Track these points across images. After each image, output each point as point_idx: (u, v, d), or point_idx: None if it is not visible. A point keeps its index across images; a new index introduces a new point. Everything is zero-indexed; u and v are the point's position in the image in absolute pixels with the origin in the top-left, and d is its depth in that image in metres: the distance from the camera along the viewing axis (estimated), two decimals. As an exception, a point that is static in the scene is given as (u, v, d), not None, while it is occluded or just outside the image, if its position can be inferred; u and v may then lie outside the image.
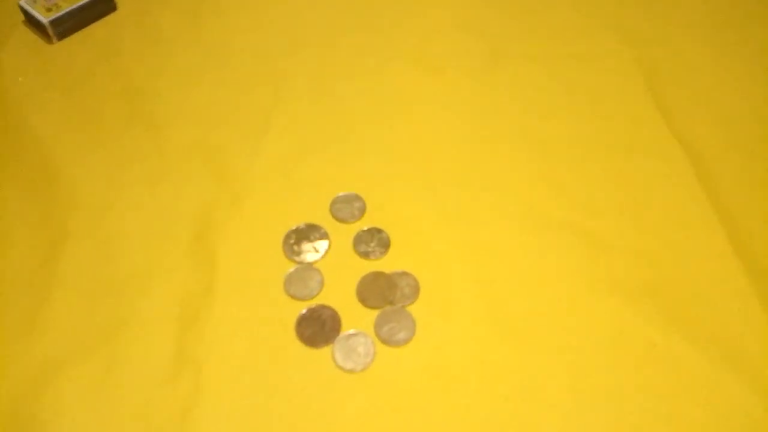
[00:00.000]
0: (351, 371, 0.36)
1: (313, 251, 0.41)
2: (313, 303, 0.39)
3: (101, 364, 0.36)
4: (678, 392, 0.36)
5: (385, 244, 0.41)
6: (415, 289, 0.39)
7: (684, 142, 0.47)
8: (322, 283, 0.39)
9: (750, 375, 0.36)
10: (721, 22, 0.56)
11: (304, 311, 0.38)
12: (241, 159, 0.45)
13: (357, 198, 0.43)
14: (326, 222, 0.42)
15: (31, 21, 0.52)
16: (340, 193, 0.44)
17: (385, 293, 0.39)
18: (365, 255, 0.41)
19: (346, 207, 0.43)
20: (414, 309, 0.39)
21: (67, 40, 0.52)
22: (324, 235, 0.41)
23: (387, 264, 0.41)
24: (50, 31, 0.51)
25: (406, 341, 0.37)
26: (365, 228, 0.42)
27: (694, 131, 0.48)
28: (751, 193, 0.45)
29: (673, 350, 0.37)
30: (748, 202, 0.44)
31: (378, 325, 0.38)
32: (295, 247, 0.41)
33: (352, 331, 0.37)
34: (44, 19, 0.51)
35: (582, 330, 0.38)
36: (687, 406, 0.35)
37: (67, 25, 0.52)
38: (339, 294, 0.39)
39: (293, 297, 0.39)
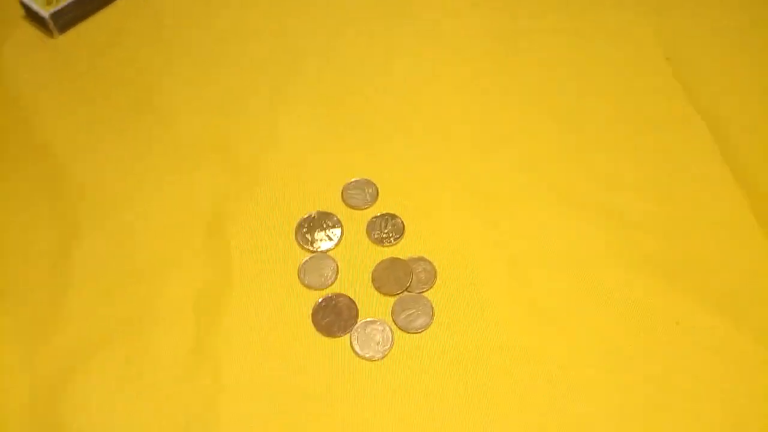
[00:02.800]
0: (370, 359, 0.36)
1: (326, 239, 0.40)
2: (328, 292, 0.38)
3: (120, 359, 0.36)
4: (708, 367, 0.35)
5: (399, 230, 0.40)
6: (432, 274, 0.39)
7: (706, 116, 0.46)
8: (337, 272, 0.39)
9: (778, 350, 0.36)
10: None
11: (320, 300, 0.38)
12: (251, 148, 0.45)
13: (369, 183, 0.43)
14: (339, 209, 0.42)
15: (31, 15, 0.52)
16: (352, 179, 0.43)
17: (401, 279, 0.38)
18: (379, 241, 0.40)
19: (359, 193, 0.42)
20: (431, 294, 0.38)
21: (69, 33, 0.52)
22: (337, 223, 0.41)
23: (402, 250, 0.40)
24: (51, 24, 0.51)
25: (425, 327, 0.37)
26: (379, 214, 0.41)
27: (716, 104, 0.47)
28: (775, 164, 0.43)
29: (702, 324, 0.37)
30: (773, 173, 0.43)
31: (395, 312, 0.37)
32: (308, 236, 0.40)
33: (369, 319, 0.37)
34: (45, 12, 0.50)
35: (608, 308, 0.37)
36: (718, 380, 0.35)
37: (69, 18, 0.51)
38: (355, 282, 0.39)
39: (308, 287, 0.38)
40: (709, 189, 0.42)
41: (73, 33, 0.52)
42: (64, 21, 0.51)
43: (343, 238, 0.40)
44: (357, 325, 0.37)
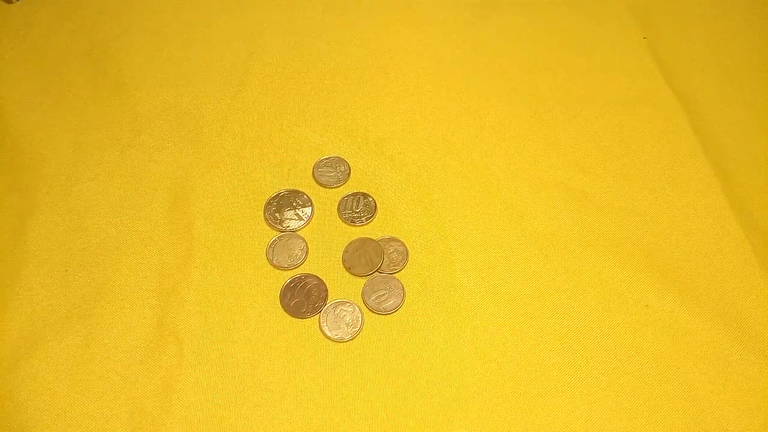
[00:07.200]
0: (339, 341, 0.35)
1: (296, 218, 0.39)
2: (297, 272, 0.37)
3: (78, 341, 0.35)
4: (673, 352, 0.35)
5: (371, 209, 0.39)
6: (404, 255, 0.38)
7: (680, 94, 0.45)
8: (306, 252, 0.38)
9: (745, 333, 0.36)
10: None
11: (288, 281, 0.37)
12: (216, 121, 0.43)
13: (341, 161, 0.41)
14: (309, 187, 0.40)
15: (-15, -23, 0.49)
16: (323, 157, 0.42)
17: (372, 260, 0.37)
18: (351, 221, 0.39)
19: (330, 171, 0.41)
20: (402, 275, 0.37)
21: (25, 0, 0.49)
22: (307, 202, 0.40)
23: (374, 230, 0.39)
24: (7, -12, 0.48)
25: (395, 309, 0.36)
26: (350, 193, 0.40)
27: (690, 82, 0.46)
28: (748, 147, 0.43)
29: (668, 309, 0.36)
30: (746, 156, 0.43)
31: (366, 293, 0.36)
32: (277, 215, 0.39)
33: (338, 300, 0.36)
34: (-1, -26, 0.47)
35: (576, 292, 0.37)
36: (683, 366, 0.35)
37: (25, -19, 0.49)
38: (324, 262, 0.38)
39: (276, 267, 0.37)
40: (682, 171, 0.42)
41: (30, 0, 0.49)
42: (19, -15, 0.48)
43: (314, 217, 0.39)
44: (326, 306, 0.36)
